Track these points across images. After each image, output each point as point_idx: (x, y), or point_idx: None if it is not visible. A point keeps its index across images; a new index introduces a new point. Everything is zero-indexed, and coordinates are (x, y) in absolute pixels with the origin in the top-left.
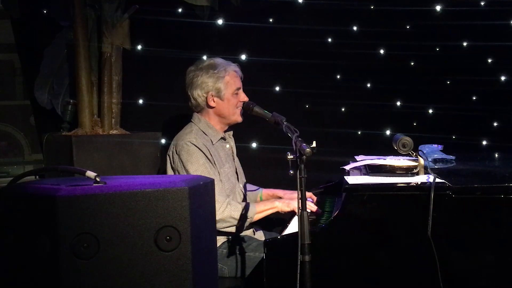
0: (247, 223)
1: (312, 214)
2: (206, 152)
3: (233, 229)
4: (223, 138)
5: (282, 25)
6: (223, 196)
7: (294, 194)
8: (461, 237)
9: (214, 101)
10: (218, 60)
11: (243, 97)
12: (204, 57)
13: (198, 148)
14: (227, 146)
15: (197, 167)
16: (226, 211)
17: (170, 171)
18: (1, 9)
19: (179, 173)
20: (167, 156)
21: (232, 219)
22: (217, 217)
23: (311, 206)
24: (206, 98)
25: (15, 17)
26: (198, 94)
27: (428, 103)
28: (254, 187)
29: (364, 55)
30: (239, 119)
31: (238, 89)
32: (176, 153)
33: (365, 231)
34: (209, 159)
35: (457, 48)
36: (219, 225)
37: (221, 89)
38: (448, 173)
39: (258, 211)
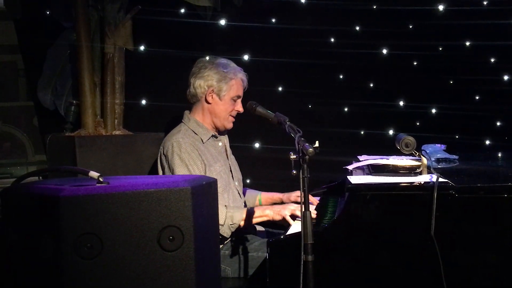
0: (232, 229)
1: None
2: (192, 152)
3: None
4: (215, 136)
5: (285, 25)
6: None
7: (293, 195)
8: (464, 237)
9: (212, 98)
10: (231, 63)
11: (239, 107)
12: (207, 58)
13: (185, 148)
14: (220, 144)
15: (181, 168)
16: None
17: (160, 171)
18: (4, 11)
19: (166, 173)
20: (158, 156)
21: None
22: None
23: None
24: (206, 91)
25: (18, 18)
26: (199, 85)
27: (431, 102)
28: (254, 192)
29: (367, 55)
30: (228, 125)
31: (238, 97)
32: (163, 153)
33: (368, 230)
34: (193, 161)
35: (460, 48)
36: None
37: (223, 89)
38: (451, 172)
39: (245, 218)
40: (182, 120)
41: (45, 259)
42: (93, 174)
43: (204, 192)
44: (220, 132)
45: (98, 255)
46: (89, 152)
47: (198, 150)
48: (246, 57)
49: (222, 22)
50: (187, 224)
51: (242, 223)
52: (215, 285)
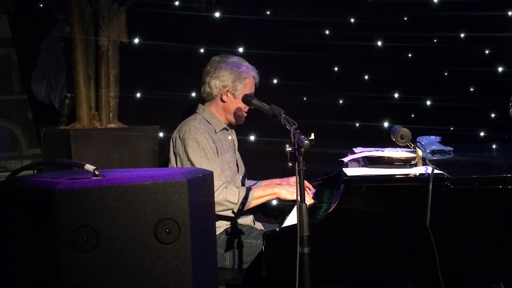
0: (244, 208)
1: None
2: (207, 138)
3: (229, 213)
4: (226, 129)
5: (280, 17)
6: (219, 180)
7: (291, 179)
8: (460, 228)
9: (227, 97)
10: (244, 62)
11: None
12: (202, 50)
13: (200, 133)
14: (229, 138)
15: (198, 151)
16: (222, 195)
17: (172, 156)
18: None
19: (180, 157)
20: (171, 141)
21: (228, 202)
22: None
23: (307, 200)
24: (222, 91)
25: (11, 10)
26: (215, 85)
27: (426, 94)
28: (253, 182)
29: (362, 47)
30: (241, 121)
31: (250, 94)
32: (179, 138)
33: (363, 222)
34: (210, 145)
35: (454, 39)
36: (215, 208)
37: (238, 88)
38: (446, 164)
39: (256, 197)
40: (196, 111)
41: (41, 253)
42: (89, 167)
43: (200, 184)
44: (231, 126)
45: (94, 248)
46: (84, 146)
47: (212, 137)
48: (241, 49)
49: (217, 14)
50: (184, 216)
51: (253, 201)
52: (212, 277)
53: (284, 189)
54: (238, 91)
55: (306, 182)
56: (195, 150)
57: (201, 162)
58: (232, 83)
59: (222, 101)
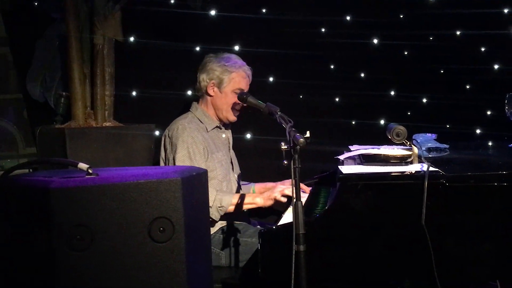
0: (221, 212)
1: None
2: (194, 137)
3: None
4: (219, 127)
5: (276, 16)
6: None
7: (286, 183)
8: (455, 225)
9: (213, 91)
10: (236, 58)
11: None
12: (197, 48)
13: (189, 132)
14: (223, 135)
15: (182, 150)
16: None
17: (162, 153)
18: None
19: (167, 155)
20: (162, 138)
21: None
22: None
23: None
24: (208, 84)
25: (6, 9)
26: (203, 78)
27: (422, 92)
28: (246, 183)
29: (358, 45)
30: (231, 117)
31: (241, 90)
32: (168, 136)
33: (359, 220)
34: (196, 145)
35: (450, 37)
36: None
37: (224, 81)
38: (442, 161)
39: (234, 203)
40: (190, 109)
41: (36, 252)
42: (82, 165)
43: (195, 183)
44: (225, 124)
45: (89, 247)
46: (80, 144)
47: (201, 136)
48: (236, 47)
49: (213, 12)
50: (178, 215)
51: (231, 208)
52: (206, 276)
53: (263, 198)
54: (224, 83)
55: (302, 186)
56: (179, 149)
57: (183, 161)
58: (218, 76)
59: (209, 95)
